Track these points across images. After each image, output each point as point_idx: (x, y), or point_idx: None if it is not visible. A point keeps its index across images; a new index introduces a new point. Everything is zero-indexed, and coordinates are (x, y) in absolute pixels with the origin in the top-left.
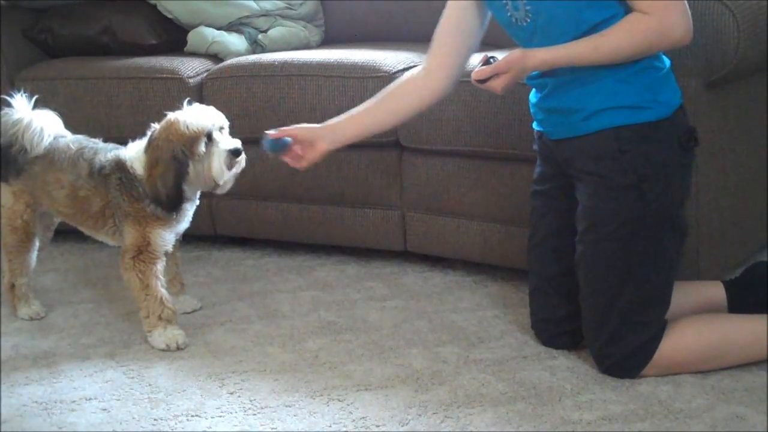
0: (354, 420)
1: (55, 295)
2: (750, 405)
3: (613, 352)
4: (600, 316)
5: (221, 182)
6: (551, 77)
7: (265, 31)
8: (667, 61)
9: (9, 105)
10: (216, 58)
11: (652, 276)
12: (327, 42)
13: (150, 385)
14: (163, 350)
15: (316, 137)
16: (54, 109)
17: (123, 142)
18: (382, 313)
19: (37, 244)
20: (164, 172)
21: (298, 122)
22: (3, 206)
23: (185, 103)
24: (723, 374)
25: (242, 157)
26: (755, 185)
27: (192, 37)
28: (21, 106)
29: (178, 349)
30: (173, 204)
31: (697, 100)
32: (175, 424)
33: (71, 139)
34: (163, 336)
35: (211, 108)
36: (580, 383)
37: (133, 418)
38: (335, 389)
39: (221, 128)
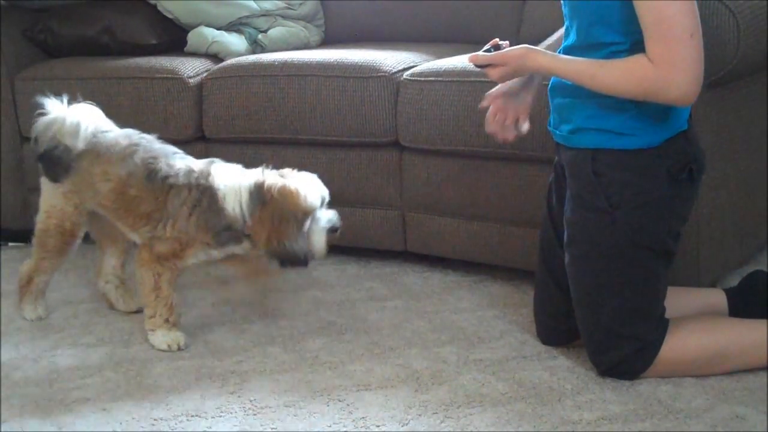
0: (354, 420)
1: (55, 295)
2: (750, 405)
3: (604, 359)
4: (587, 327)
5: (318, 257)
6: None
7: (265, 31)
8: None
9: (43, 107)
10: (216, 58)
11: (632, 295)
12: (327, 42)
13: (150, 385)
14: (163, 350)
15: (528, 79)
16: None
17: None
18: (382, 313)
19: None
20: (293, 232)
21: (298, 122)
22: (53, 207)
23: (293, 172)
24: (723, 374)
25: (337, 233)
26: (755, 185)
27: (192, 37)
28: (54, 106)
29: (179, 349)
30: (304, 261)
31: (697, 100)
32: (175, 424)
33: (120, 134)
34: (165, 336)
35: (319, 182)
36: (580, 383)
37: (133, 418)
38: (335, 389)
39: (324, 202)
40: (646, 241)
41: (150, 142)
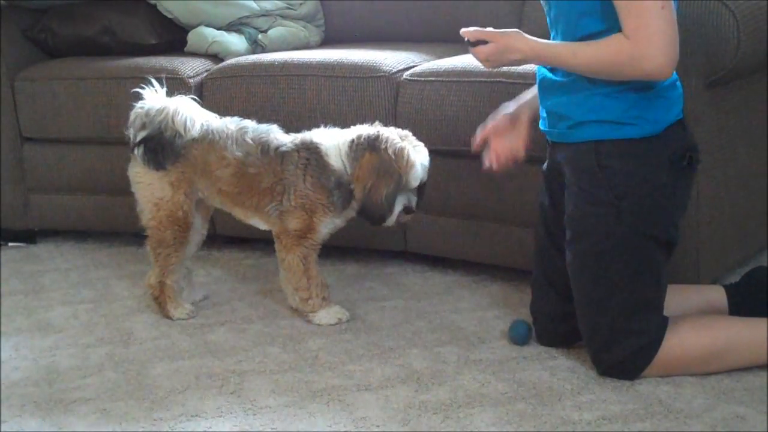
0: (354, 420)
1: (55, 295)
2: (750, 405)
3: (608, 357)
4: (591, 324)
5: (385, 224)
6: (550, 75)
7: (265, 31)
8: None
9: (141, 97)
10: (216, 58)
11: (638, 287)
12: (327, 42)
13: (150, 385)
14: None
15: (515, 117)
16: (54, 108)
17: (123, 143)
18: (382, 313)
19: (195, 239)
20: (391, 191)
21: (298, 122)
22: (161, 199)
23: (416, 142)
24: (723, 374)
25: (409, 217)
26: (755, 185)
27: (192, 37)
28: (155, 96)
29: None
30: (382, 219)
31: (697, 100)
32: (175, 424)
33: (227, 120)
34: (329, 312)
35: (428, 158)
36: (580, 383)
37: (133, 418)
38: (335, 389)
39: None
40: (651, 231)
41: (252, 123)
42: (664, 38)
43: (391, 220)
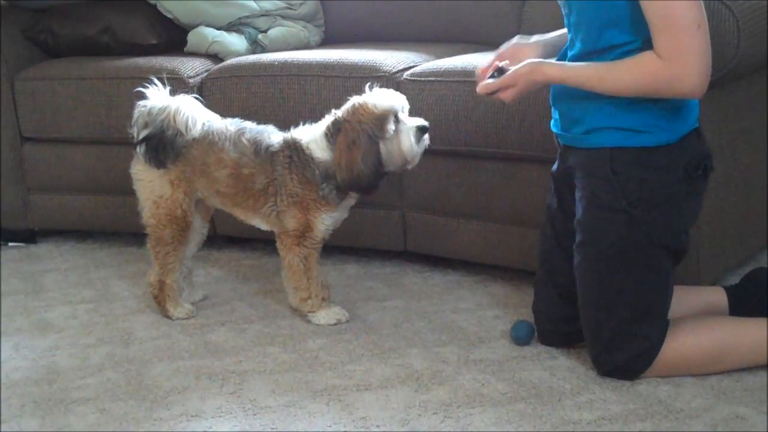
0: (354, 420)
1: (55, 295)
2: (750, 405)
3: (610, 360)
4: (595, 327)
5: (411, 158)
6: None
7: (265, 31)
8: None
9: (145, 96)
10: (216, 58)
11: (644, 293)
12: (327, 42)
13: (150, 385)
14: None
15: (520, 50)
16: (54, 108)
17: (123, 143)
18: (382, 313)
19: (195, 239)
20: (365, 152)
21: (298, 123)
22: (161, 197)
23: (367, 87)
24: (723, 374)
25: (427, 136)
26: (755, 185)
27: (192, 37)
28: (159, 94)
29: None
30: (374, 183)
31: (698, 99)
32: (175, 424)
33: (228, 121)
34: (329, 313)
35: (392, 91)
36: (580, 383)
37: (133, 418)
38: (335, 389)
39: (404, 108)
40: (662, 240)
41: (252, 125)
42: (701, 59)
43: (411, 153)
